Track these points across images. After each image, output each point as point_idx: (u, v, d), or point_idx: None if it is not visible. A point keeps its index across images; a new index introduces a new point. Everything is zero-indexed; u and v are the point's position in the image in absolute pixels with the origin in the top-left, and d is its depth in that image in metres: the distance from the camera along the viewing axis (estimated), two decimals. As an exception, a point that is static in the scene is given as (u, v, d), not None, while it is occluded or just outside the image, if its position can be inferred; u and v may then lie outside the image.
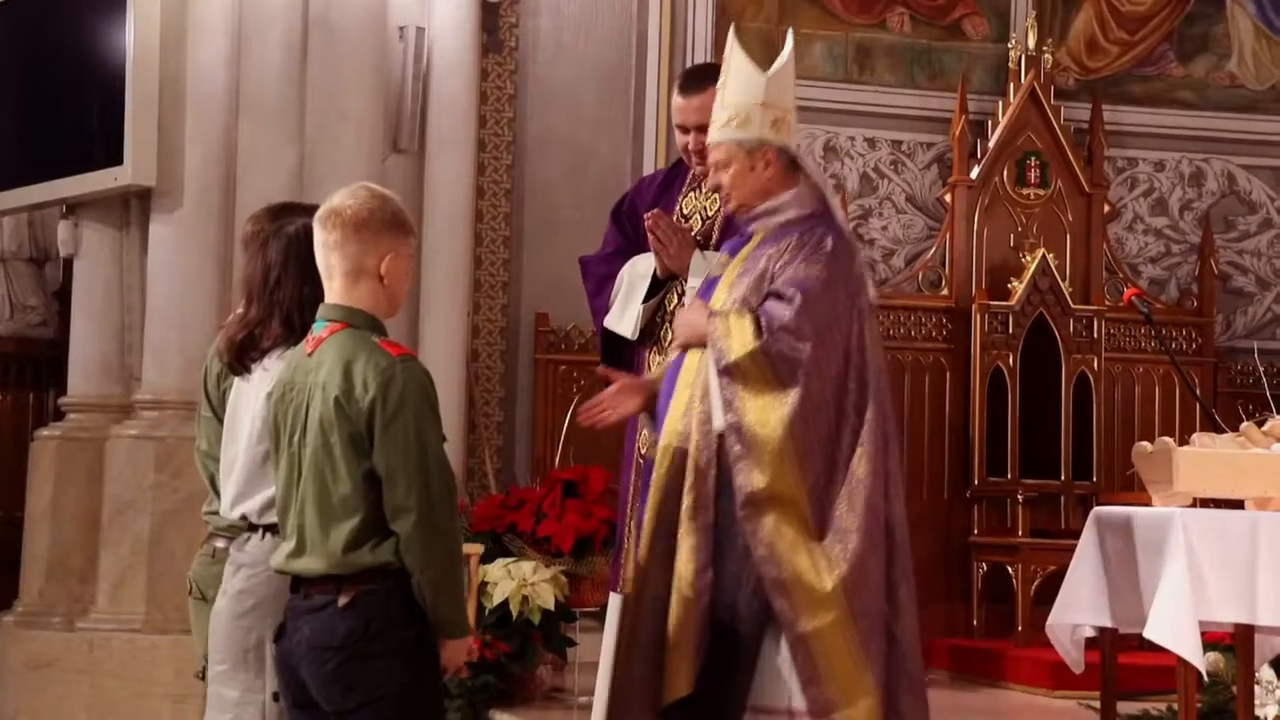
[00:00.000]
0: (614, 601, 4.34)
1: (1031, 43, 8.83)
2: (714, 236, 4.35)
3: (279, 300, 3.70)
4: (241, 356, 3.73)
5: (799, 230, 3.82)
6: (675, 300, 4.33)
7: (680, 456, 3.74)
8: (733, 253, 3.95)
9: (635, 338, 4.34)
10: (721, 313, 3.77)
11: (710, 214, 4.40)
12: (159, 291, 6.72)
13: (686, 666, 3.65)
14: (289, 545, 3.41)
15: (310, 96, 6.91)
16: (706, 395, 3.74)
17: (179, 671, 5.91)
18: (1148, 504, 4.73)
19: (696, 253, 4.29)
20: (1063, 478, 8.61)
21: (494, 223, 8.05)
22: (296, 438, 3.39)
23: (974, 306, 8.67)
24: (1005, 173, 8.85)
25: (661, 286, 4.35)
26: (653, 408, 3.93)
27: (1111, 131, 9.02)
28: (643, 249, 4.41)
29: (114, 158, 6.68)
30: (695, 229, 4.41)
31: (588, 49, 8.29)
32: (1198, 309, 9.01)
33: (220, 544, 4.08)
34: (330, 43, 6.91)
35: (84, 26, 6.96)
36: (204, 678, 4.14)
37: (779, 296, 3.73)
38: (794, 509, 3.64)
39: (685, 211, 4.43)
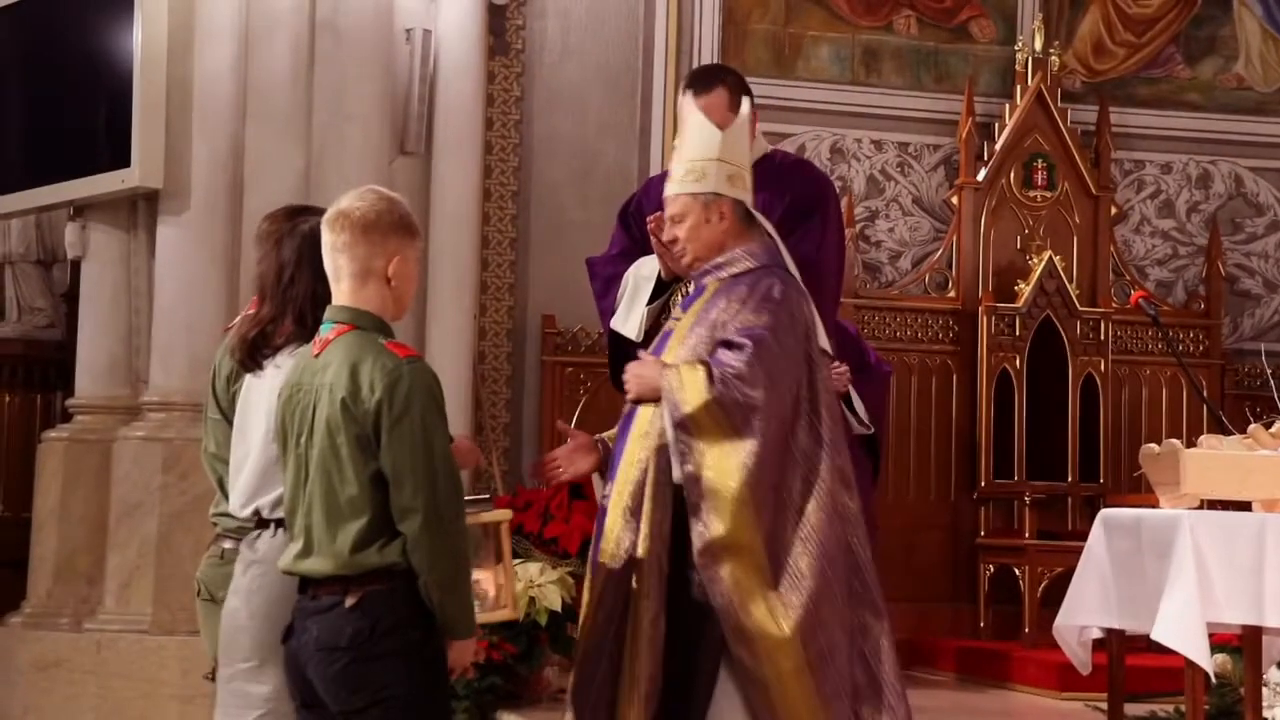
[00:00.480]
0: None
1: (1038, 45, 8.83)
2: None
3: (292, 298, 3.71)
4: (254, 353, 3.74)
5: (748, 281, 3.88)
6: (680, 301, 4.34)
7: (633, 505, 3.77)
8: (685, 307, 4.00)
9: (640, 339, 4.34)
10: (674, 366, 3.81)
11: None
12: (166, 293, 6.73)
13: (637, 715, 3.70)
14: (296, 546, 3.42)
15: (317, 99, 6.92)
16: (662, 449, 3.78)
17: (186, 672, 5.93)
18: (1155, 506, 4.73)
19: None
20: (1069, 480, 8.60)
21: (500, 225, 8.06)
22: (304, 439, 3.40)
23: (980, 309, 8.66)
24: (1012, 175, 8.85)
25: (666, 289, 4.36)
26: (604, 467, 3.98)
27: (1118, 133, 9.01)
28: (648, 250, 4.42)
29: (121, 160, 6.69)
30: None
31: (594, 51, 8.30)
32: (1205, 311, 9.01)
33: (228, 545, 4.08)
34: (337, 45, 6.92)
35: (91, 29, 6.98)
36: (213, 679, 4.14)
37: (730, 345, 3.77)
38: (751, 557, 3.68)
39: None
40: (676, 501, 3.75)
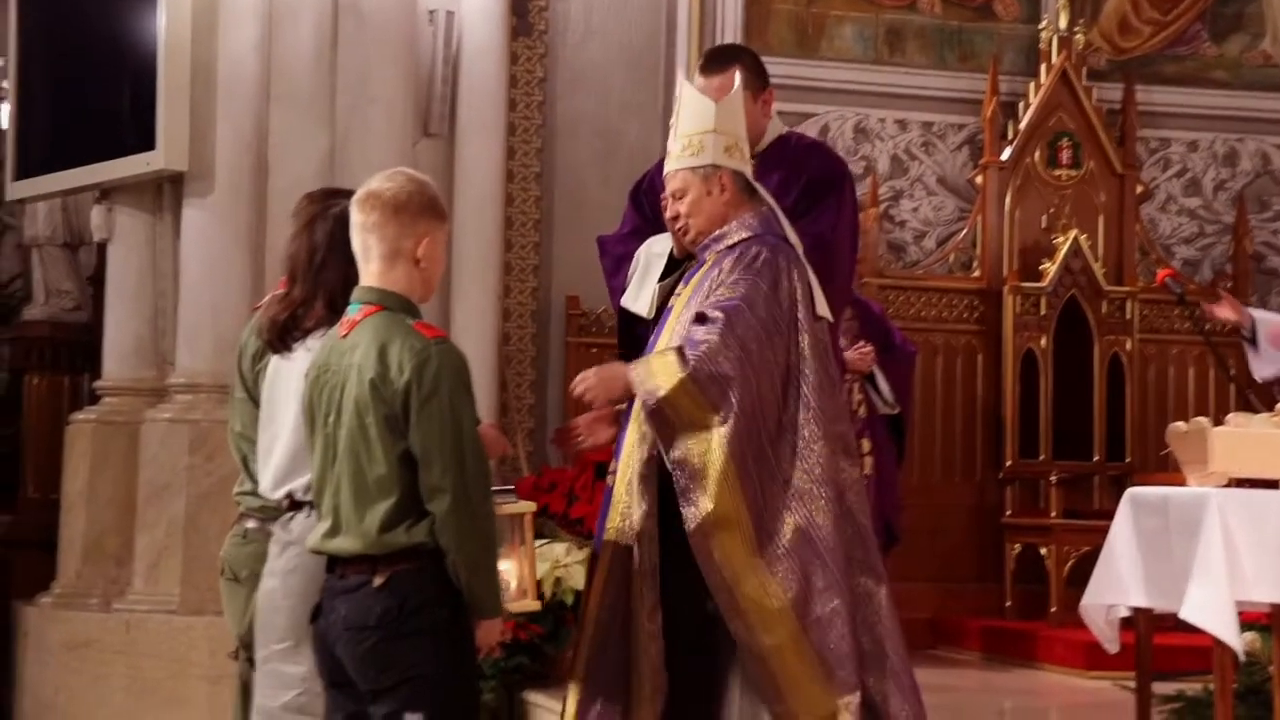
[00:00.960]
0: None
1: (1063, 23, 8.78)
2: None
3: (324, 281, 3.72)
4: (284, 336, 3.74)
5: (738, 250, 3.87)
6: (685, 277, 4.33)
7: (642, 476, 3.77)
8: (687, 281, 4.00)
9: (651, 316, 4.33)
10: (641, 359, 3.82)
11: None
12: (191, 275, 6.75)
13: (650, 712, 3.70)
14: (324, 525, 3.43)
15: (341, 81, 6.92)
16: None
17: (214, 652, 5.95)
18: (1182, 485, 4.71)
19: None
20: (1096, 459, 8.59)
21: (524, 206, 8.06)
22: (331, 419, 3.41)
23: (1006, 288, 8.64)
24: (1037, 154, 8.82)
25: (678, 266, 4.35)
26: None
27: (1144, 112, 8.97)
28: (660, 229, 4.42)
29: (146, 143, 6.70)
30: None
31: (617, 31, 8.29)
32: (1231, 290, 8.95)
33: (251, 524, 4.10)
34: (360, 27, 6.92)
35: (116, 12, 6.99)
36: (237, 658, 4.16)
37: (702, 318, 3.77)
38: (739, 530, 3.67)
39: None
40: (665, 488, 3.74)
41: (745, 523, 3.66)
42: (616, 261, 4.46)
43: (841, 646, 3.68)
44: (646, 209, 4.50)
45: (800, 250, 3.95)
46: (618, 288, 4.42)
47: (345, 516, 3.38)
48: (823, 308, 3.89)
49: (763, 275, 3.80)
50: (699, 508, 3.65)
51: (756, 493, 3.69)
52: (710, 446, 3.66)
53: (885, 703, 3.73)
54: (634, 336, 4.37)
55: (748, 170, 3.97)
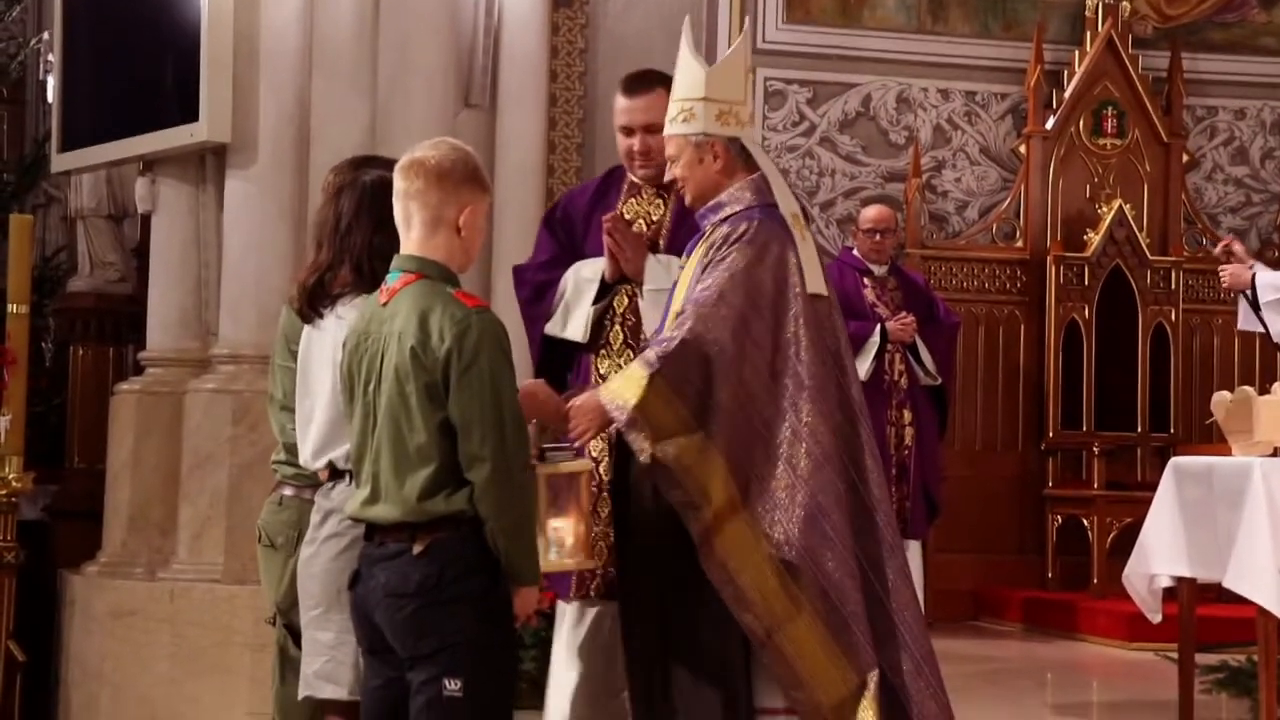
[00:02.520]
0: (564, 613, 4.25)
1: (1109, -10, 8.71)
2: (661, 242, 4.27)
3: (349, 247, 3.74)
4: (314, 303, 3.76)
5: (730, 225, 3.83)
6: (625, 302, 4.25)
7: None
8: (690, 253, 3.96)
9: (585, 340, 4.25)
10: (610, 381, 3.78)
11: (655, 219, 4.32)
12: (235, 247, 6.77)
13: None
14: (364, 493, 3.44)
15: (382, 52, 6.92)
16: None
17: (257, 621, 5.98)
18: (1226, 455, 4.68)
19: (651, 258, 4.21)
20: (1139, 430, 8.54)
21: (565, 177, 8.05)
22: (371, 387, 3.42)
23: (1049, 258, 8.60)
24: (1081, 123, 8.76)
25: (609, 290, 4.27)
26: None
27: (1190, 80, 8.89)
28: (577, 256, 4.36)
29: (190, 115, 6.72)
30: (641, 234, 4.31)
31: (658, 2, 8.25)
32: (1279, 259, 8.88)
33: (288, 492, 4.12)
34: (402, -2, 6.92)
35: (159, -15, 7.01)
36: (274, 623, 4.19)
37: (682, 311, 3.72)
38: (738, 521, 3.62)
39: (628, 217, 4.32)
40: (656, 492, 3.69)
41: (742, 512, 3.63)
42: (536, 290, 4.38)
43: (857, 626, 3.65)
44: (562, 236, 4.43)
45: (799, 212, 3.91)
46: (538, 316, 4.34)
47: (385, 484, 3.39)
48: (816, 283, 3.80)
49: (746, 255, 3.74)
50: (700, 514, 3.59)
51: (754, 482, 3.64)
52: (694, 445, 3.60)
53: (901, 679, 3.70)
54: (556, 363, 4.31)
55: (744, 133, 3.92)
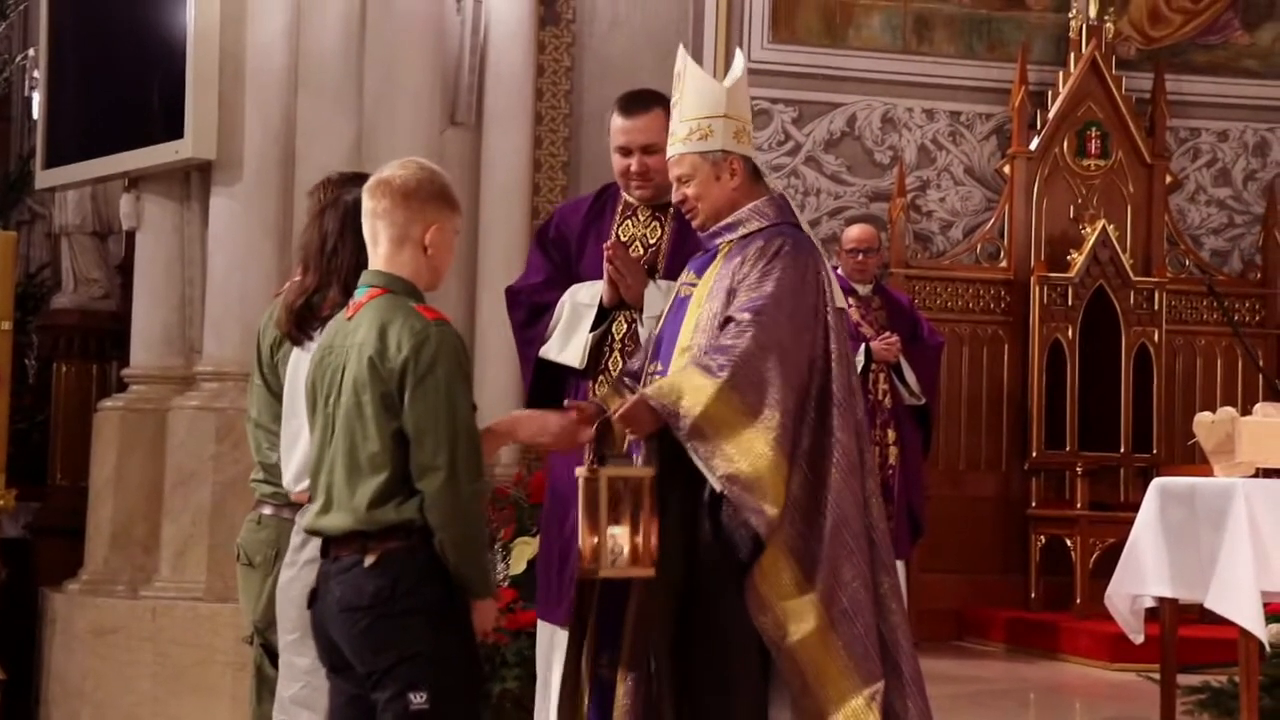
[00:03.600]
0: (560, 639, 4.18)
1: (1093, 12, 8.75)
2: (659, 265, 4.24)
3: (336, 267, 3.73)
4: (301, 324, 3.75)
5: (761, 239, 3.82)
6: (624, 328, 4.21)
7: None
8: (699, 271, 3.93)
9: (583, 366, 4.20)
10: (656, 385, 3.73)
11: (652, 242, 4.29)
12: (219, 264, 6.76)
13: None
14: (317, 504, 3.44)
15: (368, 70, 6.92)
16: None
17: (239, 639, 5.97)
18: (1209, 476, 4.69)
19: (650, 284, 4.20)
20: (1122, 450, 8.56)
21: (550, 196, 8.05)
22: (331, 399, 3.42)
23: (1033, 278, 8.62)
24: (1065, 144, 8.79)
25: (606, 316, 4.23)
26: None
27: (1174, 101, 8.93)
28: (571, 277, 4.32)
29: (175, 132, 6.71)
30: (638, 258, 4.28)
31: (644, 21, 8.28)
32: (1261, 280, 8.93)
33: (267, 511, 4.12)
34: (388, 16, 6.92)
35: (145, 2, 7.00)
36: (251, 642, 4.18)
37: (731, 320, 3.71)
38: (783, 525, 3.64)
39: (624, 240, 4.29)
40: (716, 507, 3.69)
41: (782, 517, 3.64)
42: (532, 312, 4.33)
43: (868, 637, 3.67)
44: (556, 256, 4.38)
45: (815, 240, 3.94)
46: (534, 339, 4.29)
47: (337, 493, 3.38)
48: (839, 298, 3.87)
49: (789, 269, 3.75)
50: (763, 518, 3.60)
51: (792, 486, 3.66)
52: (758, 451, 3.62)
53: (894, 697, 3.71)
54: (548, 387, 4.26)
55: (754, 155, 3.93)
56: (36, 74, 8.06)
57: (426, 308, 3.42)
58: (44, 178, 7.57)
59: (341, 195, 3.80)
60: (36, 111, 7.95)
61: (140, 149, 6.87)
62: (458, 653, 3.36)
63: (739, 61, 4.07)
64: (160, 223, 7.01)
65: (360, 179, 3.88)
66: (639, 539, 3.66)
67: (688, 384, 3.66)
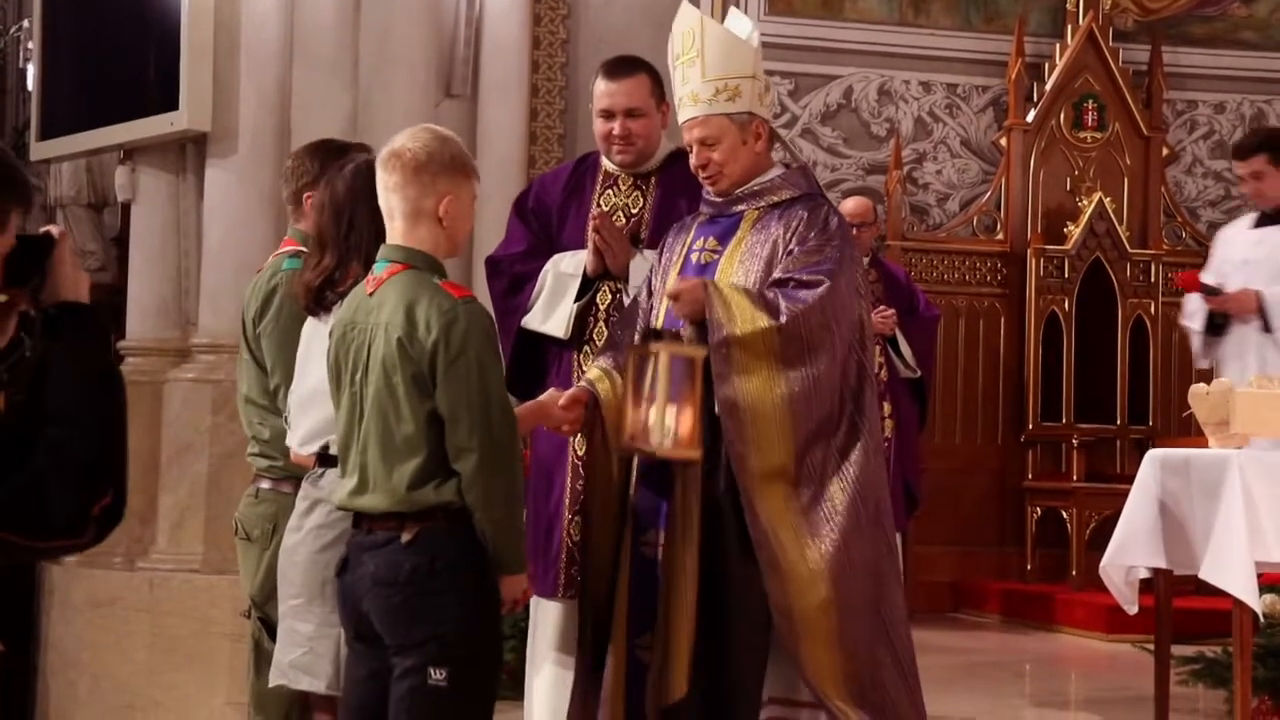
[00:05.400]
0: (549, 611, 4.19)
1: (1090, -16, 8.72)
2: (643, 235, 4.22)
3: (355, 245, 3.68)
4: (321, 301, 3.73)
5: (804, 209, 3.78)
6: (609, 299, 4.19)
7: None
8: (720, 238, 3.86)
9: (568, 336, 4.18)
10: (719, 288, 3.70)
11: (634, 211, 4.26)
12: (214, 236, 6.76)
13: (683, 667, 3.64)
14: (351, 482, 3.44)
15: (364, 42, 6.91)
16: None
17: (236, 611, 5.98)
18: (1204, 447, 4.70)
19: (637, 254, 4.17)
20: (1118, 422, 8.57)
21: (547, 167, 8.02)
22: (359, 377, 3.42)
23: (1029, 251, 8.61)
24: (1062, 116, 8.77)
25: (590, 285, 4.21)
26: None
27: (1171, 73, 8.91)
28: (552, 247, 4.29)
29: (170, 103, 6.71)
30: (621, 227, 4.25)
31: (640, -7, 8.24)
32: (1257, 253, 8.91)
33: (265, 485, 4.12)
34: (383, -13, 6.91)
35: (139, -28, 6.99)
36: (249, 616, 4.19)
37: (802, 283, 3.69)
38: (788, 488, 3.62)
39: (605, 209, 4.26)
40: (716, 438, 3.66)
41: (796, 483, 3.62)
42: (515, 281, 4.30)
43: (868, 622, 3.67)
44: (535, 226, 4.35)
45: None
46: (515, 308, 4.26)
47: (373, 474, 3.39)
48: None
49: (846, 243, 3.75)
50: (748, 457, 3.58)
51: (814, 456, 3.64)
52: (773, 399, 3.60)
53: (881, 675, 3.69)
54: (530, 356, 4.24)
55: (770, 117, 3.90)
56: (31, 46, 8.04)
57: (452, 284, 3.41)
58: (39, 150, 7.56)
59: (334, 180, 3.76)
60: (31, 84, 7.93)
61: (135, 121, 6.86)
62: (484, 634, 3.39)
63: (747, 21, 3.99)
64: (155, 195, 7.01)
65: (338, 150, 3.86)
66: (692, 420, 3.61)
67: (741, 302, 3.64)
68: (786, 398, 3.61)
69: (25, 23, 9.01)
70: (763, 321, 3.61)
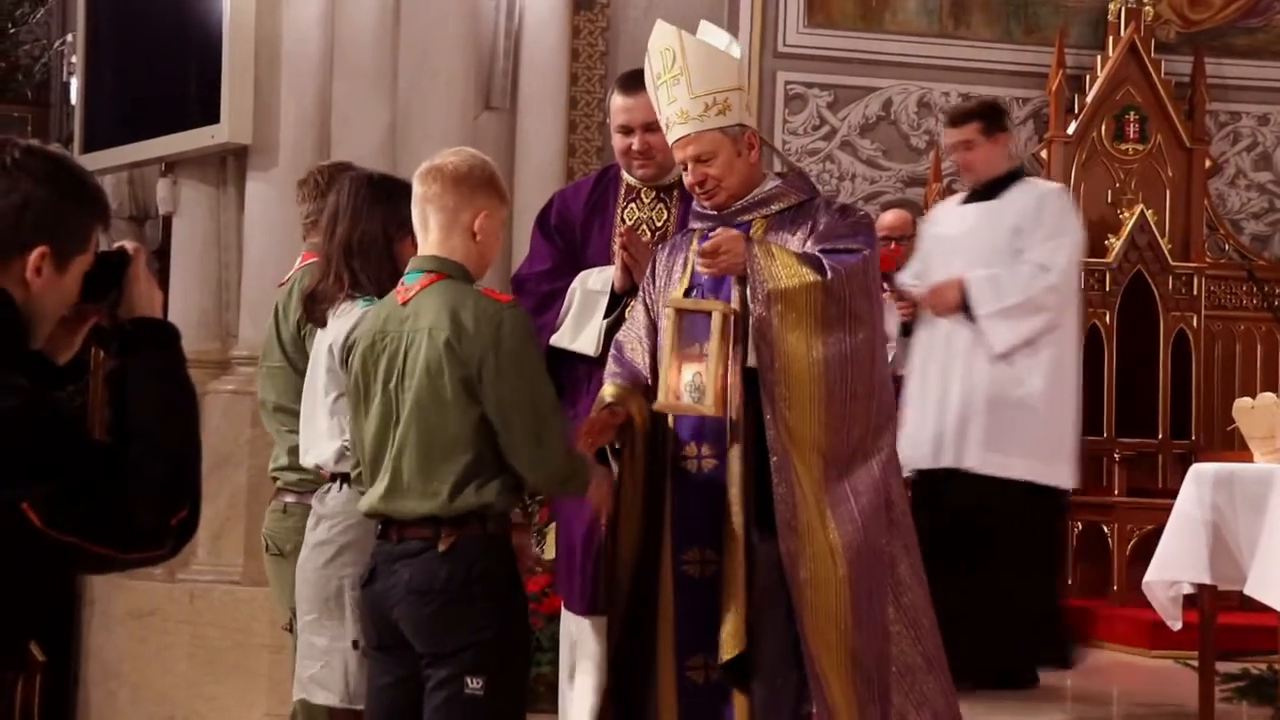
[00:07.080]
0: (582, 627, 4.19)
1: (1132, -5, 8.67)
2: None
3: (365, 265, 3.80)
4: (312, 312, 3.82)
5: (823, 210, 3.81)
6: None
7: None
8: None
9: (597, 354, 4.16)
10: (763, 243, 3.70)
11: (659, 224, 4.26)
12: (255, 248, 6.80)
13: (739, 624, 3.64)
14: (382, 487, 3.44)
15: (403, 55, 6.94)
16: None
17: (275, 622, 6.00)
18: (1248, 462, 4.66)
19: None
20: (1160, 436, 8.50)
21: (586, 180, 8.05)
22: (393, 384, 3.43)
23: (1070, 264, 8.55)
24: (1103, 128, 8.71)
25: (619, 301, 4.20)
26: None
27: (1214, 85, 8.84)
28: (577, 264, 4.29)
29: (211, 116, 6.76)
30: (647, 242, 4.25)
31: (678, 5, 8.19)
32: (1299, 265, 8.85)
33: (290, 499, 4.14)
34: (423, 1, 6.93)
35: (181, -13, 7.04)
36: (291, 630, 4.20)
37: (839, 251, 3.71)
38: (816, 455, 3.60)
39: (630, 223, 4.27)
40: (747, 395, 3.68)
41: (825, 452, 3.61)
42: (542, 300, 4.28)
43: (878, 607, 3.66)
44: (560, 243, 4.34)
45: None
46: (544, 327, 4.22)
47: (409, 479, 3.40)
48: None
49: (873, 235, 3.80)
50: (781, 417, 3.58)
51: (842, 427, 3.64)
52: (806, 358, 3.60)
53: (887, 672, 3.68)
54: (558, 375, 4.16)
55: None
56: (74, 59, 8.10)
57: (493, 291, 3.46)
58: (82, 162, 7.61)
59: (328, 195, 3.89)
60: (74, 97, 7.99)
61: (177, 134, 6.91)
62: (517, 644, 3.42)
63: (723, 33, 3.97)
64: (196, 207, 7.05)
65: (334, 169, 3.99)
66: (712, 377, 3.60)
67: (786, 258, 3.65)
68: (822, 360, 3.60)
69: (69, 36, 9.08)
70: (809, 276, 3.62)
